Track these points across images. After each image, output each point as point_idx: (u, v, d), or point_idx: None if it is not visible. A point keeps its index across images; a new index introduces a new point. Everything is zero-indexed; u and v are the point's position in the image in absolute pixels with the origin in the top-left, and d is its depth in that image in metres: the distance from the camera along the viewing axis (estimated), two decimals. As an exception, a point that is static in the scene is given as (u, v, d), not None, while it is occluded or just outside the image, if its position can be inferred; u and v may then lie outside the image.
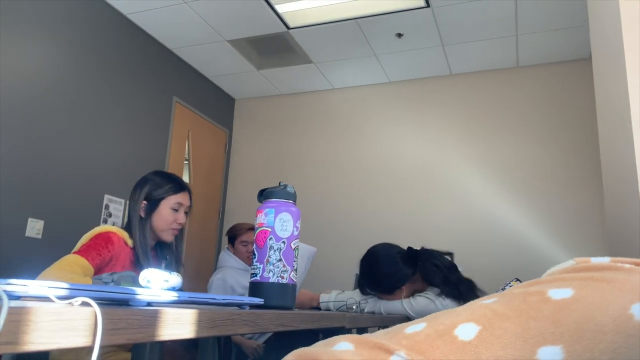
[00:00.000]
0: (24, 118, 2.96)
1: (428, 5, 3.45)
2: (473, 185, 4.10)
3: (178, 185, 1.80)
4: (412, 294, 2.00)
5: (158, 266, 1.79)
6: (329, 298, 2.08)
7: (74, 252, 1.54)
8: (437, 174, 4.26)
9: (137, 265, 1.67)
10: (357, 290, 2.08)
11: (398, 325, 0.58)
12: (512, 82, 4.25)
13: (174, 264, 1.84)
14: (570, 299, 0.50)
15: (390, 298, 1.99)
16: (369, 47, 4.07)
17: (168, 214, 1.75)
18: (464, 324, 0.52)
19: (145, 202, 1.74)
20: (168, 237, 1.78)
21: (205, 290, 3.08)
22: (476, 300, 0.57)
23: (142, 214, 1.73)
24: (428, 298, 1.93)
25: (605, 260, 0.56)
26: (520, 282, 1.39)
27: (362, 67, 4.43)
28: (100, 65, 3.53)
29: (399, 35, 3.85)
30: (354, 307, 1.85)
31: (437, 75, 4.49)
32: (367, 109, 4.71)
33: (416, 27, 3.74)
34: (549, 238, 3.81)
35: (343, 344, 0.53)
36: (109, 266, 1.59)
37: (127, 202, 1.83)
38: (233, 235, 3.02)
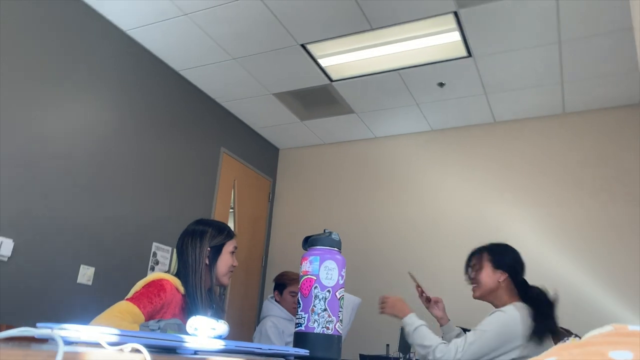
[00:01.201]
0: (82, 170, 3.12)
1: (470, 55, 3.48)
2: (519, 236, 3.96)
3: (231, 231, 1.92)
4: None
5: (205, 314, 1.80)
6: (412, 324, 1.99)
7: (127, 299, 1.56)
8: (482, 224, 4.15)
9: (188, 312, 1.68)
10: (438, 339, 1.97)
11: None
12: (558, 129, 4.16)
13: (219, 312, 1.85)
14: None
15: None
16: (411, 97, 4.11)
17: (228, 258, 1.86)
18: None
19: (209, 248, 1.82)
20: (226, 280, 1.87)
21: (248, 339, 3.04)
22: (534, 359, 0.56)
23: (207, 262, 1.80)
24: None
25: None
26: (580, 338, 1.31)
27: (403, 116, 4.46)
28: (152, 118, 3.71)
29: (441, 84, 3.88)
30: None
31: (481, 123, 4.46)
32: (409, 157, 4.70)
33: (458, 77, 3.76)
34: (601, 291, 3.59)
35: None
36: (160, 313, 1.60)
37: (177, 248, 1.87)
38: (282, 284, 2.96)
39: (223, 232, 1.87)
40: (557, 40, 3.27)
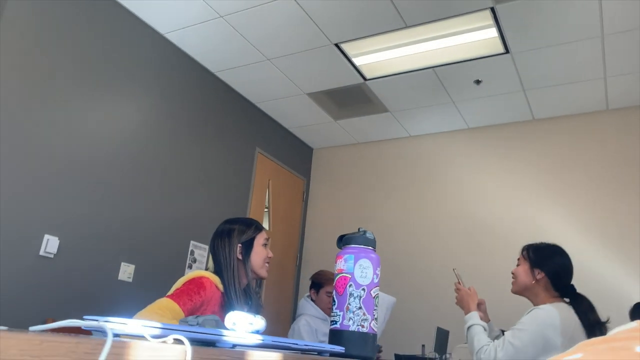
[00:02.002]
0: (122, 171, 3.22)
1: (507, 52, 3.41)
2: (559, 234, 3.85)
3: (259, 225, 1.96)
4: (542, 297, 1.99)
5: (242, 310, 1.83)
6: (468, 322, 2.02)
7: (167, 296, 1.60)
8: (521, 223, 4.05)
9: (226, 309, 1.71)
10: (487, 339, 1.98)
11: None
12: (601, 126, 4.02)
13: (256, 307, 1.88)
14: None
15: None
16: (447, 95, 4.06)
17: (262, 251, 1.90)
18: None
19: (240, 245, 1.86)
20: (264, 272, 1.91)
21: (283, 336, 3.07)
22: (558, 357, 0.56)
23: (240, 256, 1.85)
24: None
25: None
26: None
27: (439, 114, 4.41)
28: (189, 119, 3.79)
29: (478, 81, 3.82)
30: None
31: (519, 120, 4.36)
32: (445, 155, 4.64)
33: (495, 73, 3.69)
34: (654, 294, 3.45)
35: None
36: (199, 311, 1.63)
37: (210, 250, 1.92)
38: (319, 283, 2.94)
39: (251, 227, 1.91)
40: (600, 34, 3.17)
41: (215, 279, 1.74)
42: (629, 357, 0.51)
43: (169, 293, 1.63)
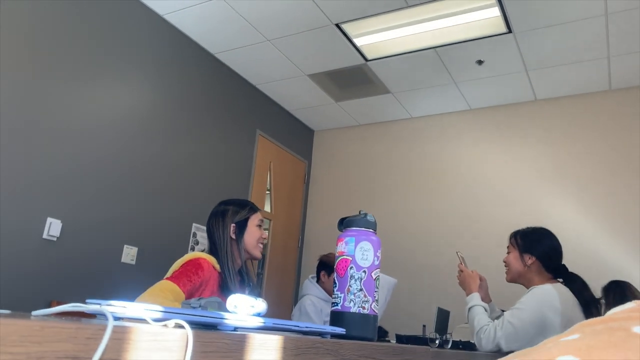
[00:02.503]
0: (123, 153, 3.21)
1: (510, 31, 3.37)
2: (562, 217, 3.85)
3: (254, 206, 1.98)
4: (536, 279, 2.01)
5: (242, 291, 1.84)
6: (469, 303, 2.05)
7: (167, 278, 1.62)
8: (523, 204, 4.05)
9: (225, 289, 1.74)
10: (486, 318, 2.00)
11: None
12: (603, 107, 3.99)
13: (251, 287, 1.90)
14: None
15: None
16: (448, 75, 4.03)
17: (255, 231, 1.91)
18: (562, 357, 0.51)
19: (234, 225, 1.87)
20: (258, 252, 1.92)
21: (285, 318, 3.10)
22: (555, 338, 0.57)
23: (233, 236, 1.86)
24: None
25: None
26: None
27: (441, 95, 4.38)
28: (189, 101, 3.77)
29: (480, 62, 3.78)
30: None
31: (521, 101, 4.33)
32: (446, 137, 4.62)
33: (498, 54, 3.65)
34: (654, 274, 3.47)
35: None
36: (199, 291, 1.65)
37: (207, 230, 1.94)
38: (331, 266, 2.82)
39: (245, 207, 1.93)
40: (604, 12, 3.12)
41: (212, 260, 1.77)
42: (625, 337, 0.51)
43: (167, 275, 1.65)
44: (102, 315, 0.60)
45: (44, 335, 0.42)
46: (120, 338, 0.49)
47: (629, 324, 0.54)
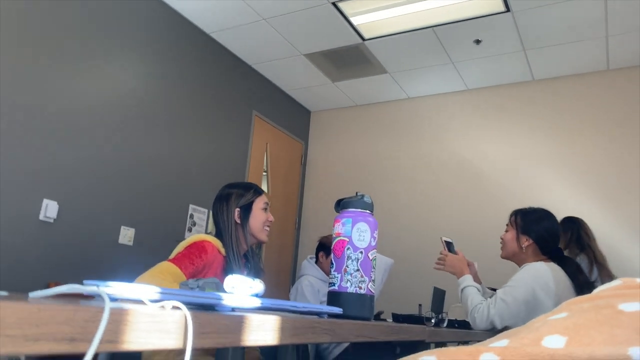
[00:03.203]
0: (120, 134, 3.19)
1: (508, 10, 3.33)
2: (561, 196, 3.87)
3: (258, 188, 1.95)
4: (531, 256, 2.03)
5: (242, 273, 1.85)
6: (461, 284, 2.07)
7: (169, 260, 1.61)
8: (520, 184, 4.07)
9: (229, 272, 1.73)
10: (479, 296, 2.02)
11: (480, 342, 0.57)
12: (602, 86, 3.98)
13: (257, 271, 1.90)
14: None
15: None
16: (446, 55, 3.99)
17: (261, 214, 1.89)
18: (549, 336, 0.52)
19: (238, 209, 1.85)
20: (264, 236, 1.90)
21: (283, 299, 3.11)
22: (543, 317, 0.58)
23: (238, 220, 1.84)
24: None
25: None
26: None
27: (438, 75, 4.35)
28: (185, 82, 3.73)
29: (477, 41, 3.75)
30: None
31: (519, 81, 4.31)
32: (444, 117, 4.60)
33: (495, 33, 3.62)
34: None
35: (428, 358, 0.53)
36: (201, 274, 1.65)
37: (212, 215, 1.92)
38: (330, 247, 2.87)
39: (250, 190, 1.91)
40: (603, -9, 3.09)
41: (217, 243, 1.76)
42: (612, 314, 0.52)
43: (170, 257, 1.64)
44: (100, 296, 0.60)
45: (41, 317, 0.42)
46: (117, 320, 0.49)
47: (616, 301, 0.55)
